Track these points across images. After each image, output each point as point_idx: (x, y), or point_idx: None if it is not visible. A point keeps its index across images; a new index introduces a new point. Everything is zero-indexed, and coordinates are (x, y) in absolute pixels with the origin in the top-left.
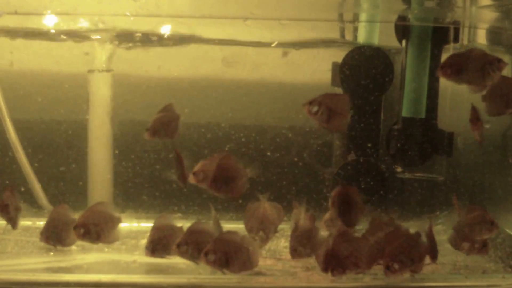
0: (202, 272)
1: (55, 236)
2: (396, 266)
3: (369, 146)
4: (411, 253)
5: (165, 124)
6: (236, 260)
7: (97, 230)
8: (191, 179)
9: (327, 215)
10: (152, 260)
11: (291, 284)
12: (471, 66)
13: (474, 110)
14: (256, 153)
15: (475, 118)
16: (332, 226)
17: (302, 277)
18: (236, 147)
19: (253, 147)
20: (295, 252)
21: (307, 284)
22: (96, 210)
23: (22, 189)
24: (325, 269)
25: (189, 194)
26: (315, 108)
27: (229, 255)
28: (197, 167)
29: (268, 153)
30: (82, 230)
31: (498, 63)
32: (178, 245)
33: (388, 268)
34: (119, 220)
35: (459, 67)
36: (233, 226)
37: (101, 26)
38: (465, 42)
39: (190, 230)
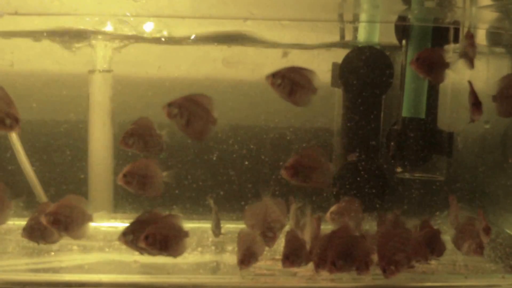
0: (203, 272)
1: (39, 232)
2: (340, 263)
3: (369, 147)
4: (352, 254)
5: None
6: (176, 244)
7: (66, 222)
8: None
9: (333, 208)
10: (152, 260)
11: (291, 284)
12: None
13: (473, 92)
14: (256, 153)
15: (476, 102)
16: (337, 219)
17: (302, 277)
18: (236, 147)
19: (253, 147)
20: (287, 260)
21: (307, 284)
22: (70, 203)
23: (21, 188)
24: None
25: (189, 194)
26: (278, 81)
27: (168, 239)
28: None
29: (268, 153)
30: (51, 218)
31: None
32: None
33: (334, 265)
34: (90, 218)
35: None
36: (233, 226)
37: (101, 26)
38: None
39: (139, 220)
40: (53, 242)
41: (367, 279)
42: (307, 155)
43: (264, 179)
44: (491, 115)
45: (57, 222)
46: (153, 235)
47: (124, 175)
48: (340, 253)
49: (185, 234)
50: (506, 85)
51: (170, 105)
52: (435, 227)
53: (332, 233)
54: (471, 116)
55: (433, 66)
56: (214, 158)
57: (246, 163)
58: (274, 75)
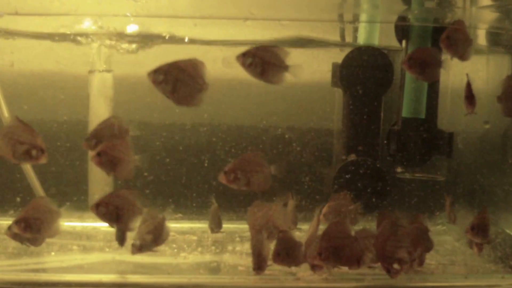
0: (203, 272)
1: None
2: (326, 254)
3: (369, 147)
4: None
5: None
6: (127, 215)
7: (37, 224)
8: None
9: (325, 209)
10: (153, 260)
11: (291, 284)
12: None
13: (468, 86)
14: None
15: (470, 94)
16: (331, 219)
17: (302, 277)
18: (236, 148)
19: (254, 147)
20: (278, 257)
21: (307, 284)
22: (37, 205)
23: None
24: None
25: (190, 194)
26: (248, 60)
27: (120, 210)
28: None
29: (268, 153)
30: (23, 225)
31: None
32: (97, 206)
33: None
34: (58, 214)
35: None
36: (234, 226)
37: (101, 26)
38: None
39: (113, 194)
40: (39, 244)
41: (367, 279)
42: (247, 159)
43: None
44: (491, 115)
45: (29, 226)
46: (105, 204)
47: (98, 154)
48: (328, 247)
49: (139, 210)
50: (510, 86)
51: (155, 71)
52: (435, 227)
53: (324, 232)
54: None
55: (424, 66)
56: (214, 158)
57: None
58: (245, 55)
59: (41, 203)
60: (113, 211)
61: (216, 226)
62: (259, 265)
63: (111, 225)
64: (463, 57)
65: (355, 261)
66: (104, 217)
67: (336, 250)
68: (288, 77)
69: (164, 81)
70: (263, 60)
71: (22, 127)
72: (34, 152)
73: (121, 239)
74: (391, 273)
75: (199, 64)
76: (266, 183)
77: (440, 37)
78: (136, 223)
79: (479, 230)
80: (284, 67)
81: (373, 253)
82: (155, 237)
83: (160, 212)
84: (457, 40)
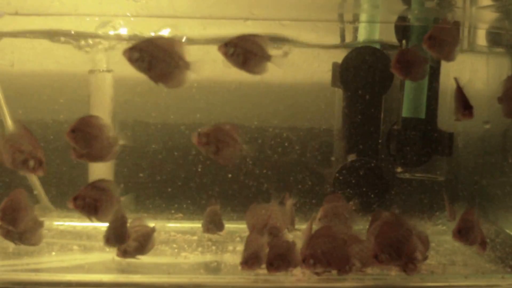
0: (203, 272)
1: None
2: (311, 261)
3: (369, 147)
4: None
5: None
6: (105, 208)
7: (19, 233)
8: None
9: (319, 214)
10: (153, 260)
11: (291, 284)
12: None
13: (462, 95)
14: (257, 153)
15: (467, 105)
16: (327, 223)
17: (302, 277)
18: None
19: (254, 147)
20: (271, 267)
21: (307, 284)
22: (14, 197)
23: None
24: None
25: (190, 195)
26: (230, 50)
27: (98, 202)
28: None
29: (268, 154)
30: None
31: None
32: (75, 199)
33: (304, 261)
34: (41, 224)
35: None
36: (234, 226)
37: (101, 26)
38: (465, 42)
39: (91, 185)
40: (34, 244)
41: (367, 279)
42: (224, 130)
43: (264, 179)
44: (491, 116)
45: (9, 234)
46: (83, 197)
47: (72, 131)
48: (311, 253)
49: (117, 200)
50: (511, 86)
51: (130, 49)
52: (435, 227)
53: (310, 238)
54: (458, 117)
55: (410, 67)
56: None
57: (246, 163)
58: (226, 45)
59: (19, 196)
60: (91, 204)
61: (216, 226)
62: (246, 260)
63: (89, 218)
64: (448, 58)
65: (343, 265)
66: (82, 210)
67: (322, 255)
68: (271, 66)
69: (139, 59)
70: (245, 50)
71: (26, 135)
72: (31, 163)
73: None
74: (407, 271)
75: (178, 43)
76: (234, 158)
77: (423, 37)
78: (110, 215)
79: (466, 233)
80: (267, 57)
81: (363, 258)
82: (140, 246)
83: (152, 222)
84: (441, 41)
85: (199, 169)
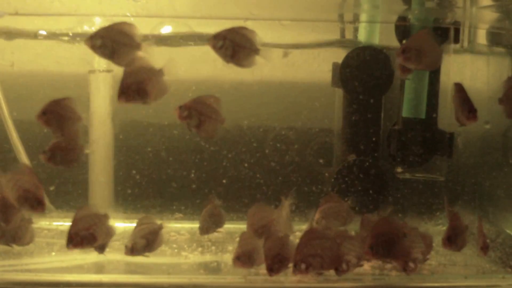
0: (203, 272)
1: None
2: (303, 266)
3: (369, 147)
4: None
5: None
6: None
7: (12, 235)
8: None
9: (317, 215)
10: (153, 260)
11: (291, 284)
12: None
13: (463, 95)
14: (256, 153)
15: (472, 109)
16: (325, 224)
17: (302, 277)
18: (236, 148)
19: (253, 147)
20: (272, 272)
21: (307, 284)
22: (12, 209)
23: None
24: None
25: (190, 195)
26: (219, 43)
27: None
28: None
29: (268, 154)
30: None
31: None
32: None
33: (295, 267)
34: (30, 221)
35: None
36: (234, 226)
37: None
38: (465, 42)
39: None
40: (27, 242)
41: (367, 279)
42: (206, 103)
43: (264, 179)
44: (491, 116)
45: (2, 236)
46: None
47: (43, 113)
48: (300, 259)
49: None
50: (511, 87)
51: (92, 37)
52: (435, 227)
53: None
54: (463, 121)
55: (420, 55)
56: (214, 158)
57: (246, 163)
58: (215, 38)
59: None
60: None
61: (215, 224)
62: (238, 256)
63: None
64: (429, 67)
65: (335, 265)
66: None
67: (312, 258)
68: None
69: (102, 46)
70: (234, 43)
71: (29, 175)
72: (35, 204)
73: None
74: (407, 271)
75: (133, 26)
76: (215, 131)
77: (396, 52)
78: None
79: (455, 240)
80: (255, 50)
81: (357, 255)
82: (148, 243)
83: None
84: (418, 52)
85: (199, 169)
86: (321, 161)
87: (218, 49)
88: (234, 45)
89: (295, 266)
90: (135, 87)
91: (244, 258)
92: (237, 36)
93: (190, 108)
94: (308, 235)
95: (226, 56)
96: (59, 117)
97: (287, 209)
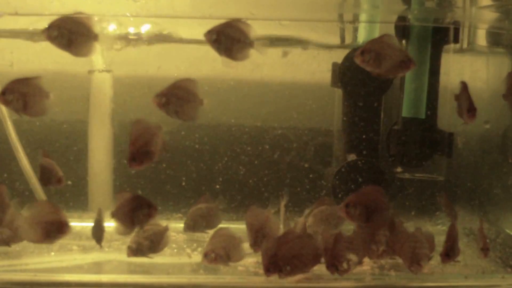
0: (203, 272)
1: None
2: (288, 268)
3: (369, 147)
4: (303, 256)
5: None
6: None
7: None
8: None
9: (310, 220)
10: (152, 260)
11: (291, 284)
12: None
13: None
14: (256, 153)
15: (471, 108)
16: (317, 228)
17: (301, 277)
18: (236, 148)
19: (253, 147)
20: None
21: (306, 284)
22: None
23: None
24: (267, 271)
25: (190, 195)
26: (214, 37)
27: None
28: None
29: (268, 154)
30: None
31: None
32: (3, 93)
33: (281, 271)
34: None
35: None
36: (234, 226)
37: (101, 26)
38: (465, 42)
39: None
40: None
41: (367, 279)
42: (182, 87)
43: (264, 179)
44: (491, 115)
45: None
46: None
47: (3, 93)
48: (288, 259)
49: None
50: None
51: (49, 28)
52: (435, 227)
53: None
54: (465, 119)
55: (380, 59)
56: (214, 158)
57: (246, 163)
58: (210, 31)
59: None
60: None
61: (205, 224)
62: (206, 253)
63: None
64: (387, 74)
65: (316, 261)
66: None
67: (290, 260)
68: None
69: (59, 36)
70: (228, 37)
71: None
72: (57, 228)
73: (97, 236)
74: (413, 271)
75: (90, 17)
76: (195, 114)
77: (355, 54)
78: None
79: (453, 254)
80: (250, 44)
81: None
82: (152, 244)
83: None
84: (378, 55)
85: (199, 169)
86: (320, 161)
87: (212, 42)
88: (228, 39)
89: (280, 270)
90: (144, 150)
91: (213, 256)
92: (231, 29)
93: (167, 94)
94: (283, 240)
95: (220, 50)
96: (20, 96)
97: (283, 210)
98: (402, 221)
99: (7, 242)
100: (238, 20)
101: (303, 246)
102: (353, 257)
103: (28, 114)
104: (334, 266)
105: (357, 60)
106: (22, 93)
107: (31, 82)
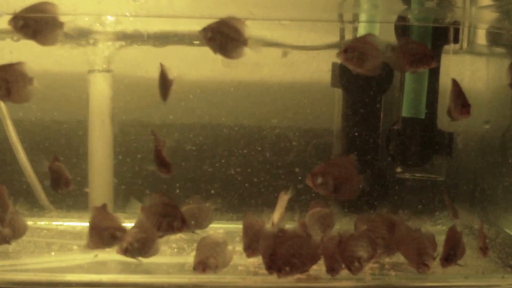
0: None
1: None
2: (287, 269)
3: (368, 147)
4: (302, 255)
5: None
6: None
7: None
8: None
9: (307, 220)
10: (152, 260)
11: (291, 284)
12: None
13: (458, 90)
14: (256, 153)
15: (465, 103)
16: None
17: (301, 277)
18: (236, 148)
19: (253, 147)
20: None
21: (306, 283)
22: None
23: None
24: (269, 269)
25: (190, 195)
26: (208, 35)
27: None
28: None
29: (268, 154)
30: None
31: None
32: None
33: (279, 271)
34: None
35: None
36: (234, 226)
37: (101, 26)
38: (465, 42)
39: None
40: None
41: (367, 279)
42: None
43: (263, 178)
44: (491, 115)
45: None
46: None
47: None
48: (287, 259)
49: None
50: None
51: (14, 19)
52: (435, 227)
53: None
54: (456, 116)
55: (362, 58)
56: (214, 159)
57: (246, 163)
58: (205, 29)
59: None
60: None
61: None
62: (196, 264)
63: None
64: (369, 72)
65: (315, 260)
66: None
67: (289, 260)
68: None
69: (25, 26)
70: (222, 35)
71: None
72: (118, 234)
73: None
74: (420, 272)
75: (55, 5)
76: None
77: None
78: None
79: (454, 258)
80: (244, 42)
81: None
82: (142, 248)
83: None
84: (360, 54)
85: (199, 169)
86: (320, 161)
87: (207, 40)
88: (223, 37)
89: (278, 272)
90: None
91: (201, 268)
92: (226, 27)
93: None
94: (280, 239)
95: (215, 48)
96: (3, 82)
97: (284, 203)
98: (403, 219)
99: (7, 240)
100: (232, 18)
101: (301, 246)
102: (363, 254)
103: (12, 100)
104: (334, 270)
105: (340, 58)
106: (5, 80)
107: (14, 68)
